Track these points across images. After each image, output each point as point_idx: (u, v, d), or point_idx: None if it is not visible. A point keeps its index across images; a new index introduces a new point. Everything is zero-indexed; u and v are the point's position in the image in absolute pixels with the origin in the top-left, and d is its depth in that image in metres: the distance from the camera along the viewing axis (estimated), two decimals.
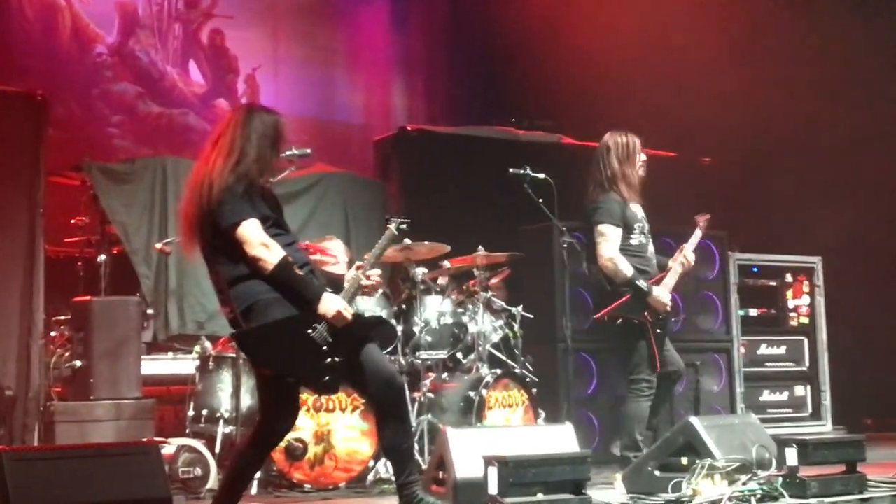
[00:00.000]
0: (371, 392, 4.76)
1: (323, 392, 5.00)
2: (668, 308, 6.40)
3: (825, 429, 9.00)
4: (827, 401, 9.19)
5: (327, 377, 4.54)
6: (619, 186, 6.45)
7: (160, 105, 10.59)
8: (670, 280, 6.48)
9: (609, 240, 6.38)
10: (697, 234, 6.68)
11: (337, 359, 4.53)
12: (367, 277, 4.78)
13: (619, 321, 6.43)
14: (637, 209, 6.51)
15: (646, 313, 6.36)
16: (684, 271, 6.57)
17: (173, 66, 10.74)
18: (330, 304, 4.53)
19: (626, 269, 6.32)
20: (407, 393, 4.97)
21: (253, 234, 4.47)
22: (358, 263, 4.84)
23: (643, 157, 6.57)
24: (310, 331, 4.50)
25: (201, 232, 4.58)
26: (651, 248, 6.56)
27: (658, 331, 6.39)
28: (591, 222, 6.49)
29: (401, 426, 4.74)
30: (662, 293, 6.36)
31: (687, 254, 6.55)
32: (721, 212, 8.22)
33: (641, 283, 6.32)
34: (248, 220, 4.48)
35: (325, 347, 4.51)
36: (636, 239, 6.46)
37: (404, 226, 5.05)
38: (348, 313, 4.56)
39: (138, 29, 10.53)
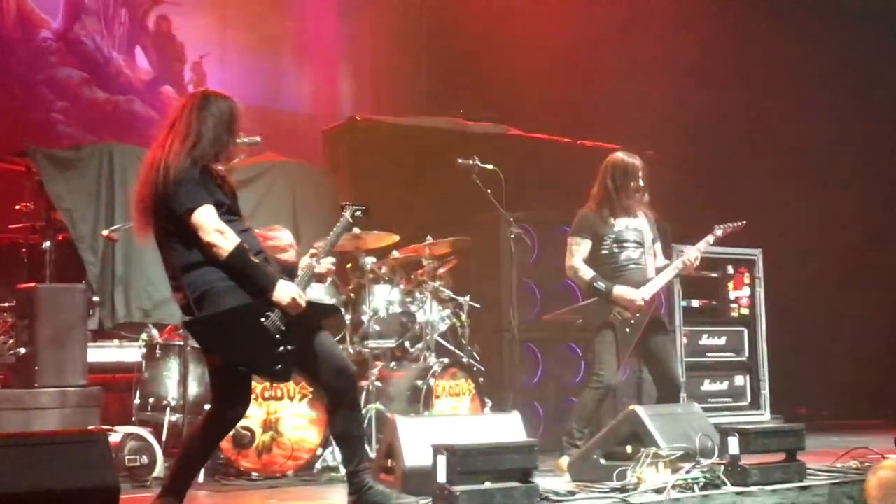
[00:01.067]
0: (323, 380, 4.77)
1: (275, 380, 5.00)
2: (638, 304, 6.47)
3: (763, 418, 9.15)
4: (766, 390, 9.35)
5: (279, 366, 4.56)
6: (602, 203, 6.67)
7: (105, 91, 10.46)
8: (660, 280, 6.62)
9: (572, 251, 6.67)
10: (709, 239, 6.79)
11: (289, 347, 4.55)
12: (320, 265, 4.80)
13: (580, 321, 6.79)
14: (620, 222, 6.65)
15: (615, 314, 6.50)
16: (683, 270, 6.67)
17: (119, 52, 10.62)
18: (284, 291, 4.54)
19: (585, 274, 6.58)
20: (358, 381, 4.98)
21: (208, 220, 4.47)
22: (312, 251, 4.84)
23: (641, 182, 6.69)
24: (263, 319, 4.51)
25: (156, 216, 4.56)
26: (628, 254, 6.63)
27: (627, 330, 6.50)
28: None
29: (351, 414, 4.78)
30: (625, 290, 6.47)
31: (690, 254, 6.65)
32: (664, 204, 8.34)
33: (600, 285, 6.50)
34: (204, 206, 4.47)
35: (277, 336, 4.53)
36: (606, 249, 6.62)
37: (359, 213, 5.07)
38: (303, 301, 4.58)
39: (84, 14, 10.39)
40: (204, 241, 4.47)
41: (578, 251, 6.64)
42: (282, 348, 4.54)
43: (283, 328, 4.54)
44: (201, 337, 4.69)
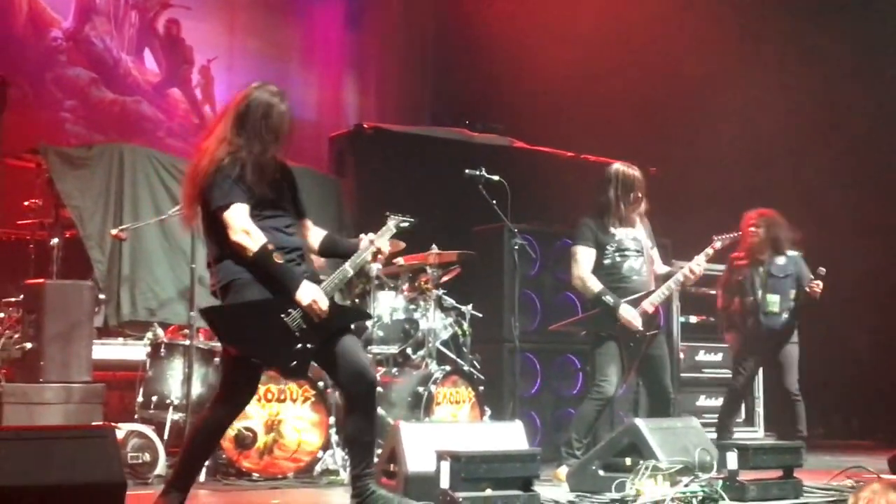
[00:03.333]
0: (341, 381, 4.83)
1: (289, 376, 4.98)
2: (637, 324, 6.55)
3: (757, 434, 9.24)
4: (760, 408, 9.44)
5: (295, 362, 4.62)
6: (603, 212, 6.76)
7: (114, 92, 10.54)
8: (661, 292, 6.68)
9: (578, 260, 6.73)
10: (708, 252, 6.83)
11: (309, 345, 4.62)
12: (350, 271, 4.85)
13: (584, 332, 6.89)
14: (620, 231, 6.73)
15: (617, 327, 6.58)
16: (685, 283, 6.76)
17: (128, 53, 10.71)
18: (306, 292, 4.60)
19: (594, 286, 6.64)
20: (376, 388, 5.00)
21: (236, 220, 4.55)
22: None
23: (641, 193, 6.80)
24: (284, 315, 4.59)
25: (200, 206, 4.70)
26: (630, 263, 6.71)
27: (631, 344, 6.59)
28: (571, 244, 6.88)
29: (365, 419, 4.82)
30: (628, 310, 6.54)
31: (692, 266, 6.69)
32: (665, 220, 8.42)
33: (608, 299, 6.57)
34: (235, 205, 4.57)
35: (297, 333, 4.60)
36: (609, 259, 6.70)
37: (406, 224, 5.14)
38: (323, 304, 4.63)
39: (94, 15, 10.47)
40: (231, 239, 4.56)
41: (584, 260, 6.72)
42: (300, 346, 4.60)
43: (304, 326, 4.61)
44: (218, 326, 4.74)
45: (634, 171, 6.82)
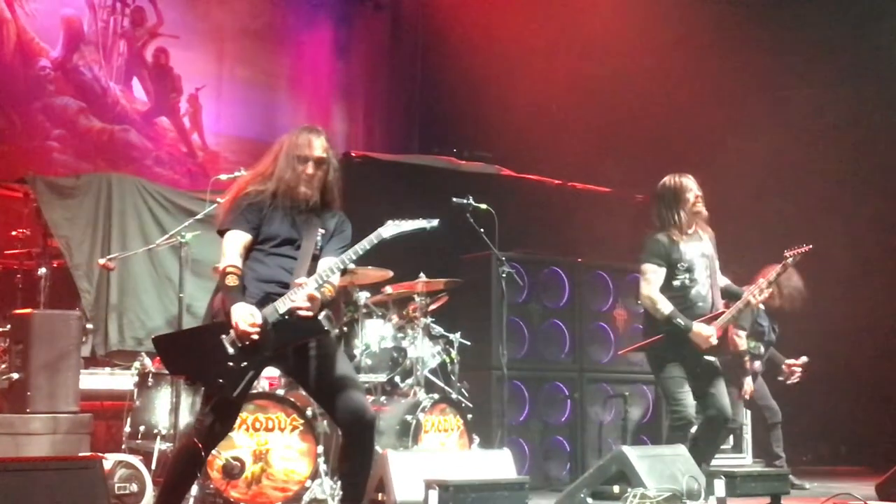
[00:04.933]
0: (340, 420, 4.86)
1: (217, 393, 4.83)
2: (713, 343, 6.27)
3: (745, 461, 9.24)
4: (748, 434, 9.45)
5: (222, 380, 4.61)
6: (668, 229, 6.47)
7: (102, 121, 10.54)
8: (730, 313, 6.38)
9: (649, 279, 6.43)
10: (779, 271, 6.46)
11: (243, 364, 4.62)
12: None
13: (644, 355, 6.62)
14: (689, 248, 6.45)
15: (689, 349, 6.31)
16: (755, 303, 6.47)
17: (116, 82, 10.72)
18: (234, 311, 4.61)
19: (665, 307, 6.32)
20: (374, 424, 4.97)
21: (224, 244, 4.79)
22: (297, 281, 4.76)
23: (696, 192, 6.52)
24: (224, 335, 4.62)
25: None
26: (698, 289, 6.42)
27: (698, 370, 6.34)
28: (639, 260, 6.57)
29: (363, 457, 4.84)
30: (704, 328, 6.26)
31: (761, 286, 6.39)
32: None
33: (679, 322, 6.26)
34: (231, 231, 4.79)
35: (231, 351, 4.61)
36: (679, 280, 6.41)
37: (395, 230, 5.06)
38: (243, 324, 4.57)
39: (83, 44, 10.49)
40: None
41: (655, 280, 6.40)
42: (231, 364, 4.61)
43: (239, 345, 4.61)
44: (159, 354, 4.90)
45: (681, 178, 6.54)
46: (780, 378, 8.43)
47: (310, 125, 5.11)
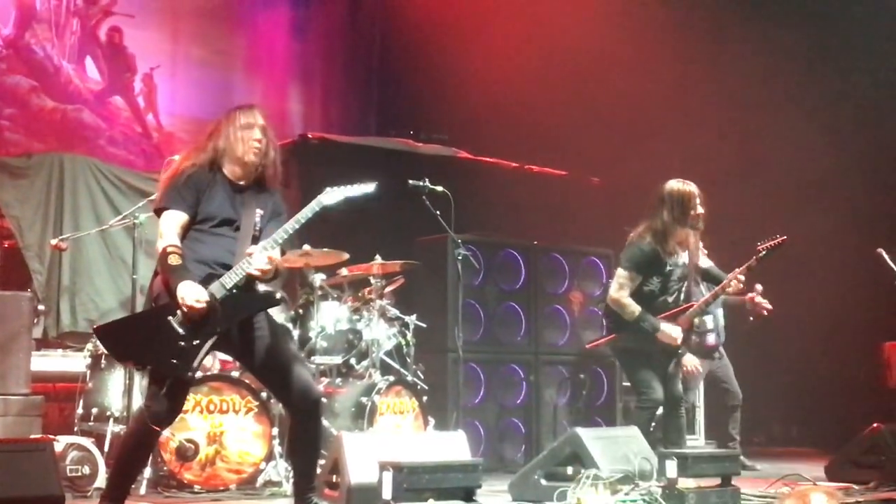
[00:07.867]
0: (286, 399, 4.88)
1: (171, 374, 4.77)
2: (678, 343, 6.50)
3: (698, 443, 9.33)
4: (700, 416, 9.53)
5: (175, 360, 4.57)
6: (657, 238, 6.47)
7: (54, 100, 10.37)
8: (695, 309, 6.55)
9: (622, 283, 6.53)
10: (752, 263, 6.51)
11: (194, 342, 4.59)
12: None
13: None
14: (671, 261, 6.51)
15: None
16: (726, 291, 6.59)
17: (69, 61, 10.57)
18: (180, 291, 4.57)
19: (634, 310, 6.46)
20: (322, 403, 5.01)
21: (161, 224, 4.76)
22: (248, 251, 4.72)
23: (700, 210, 6.52)
24: (171, 316, 4.59)
25: None
26: (666, 297, 6.55)
27: (664, 359, 6.58)
28: (618, 260, 6.71)
29: (312, 435, 4.88)
30: (671, 329, 6.47)
31: (731, 279, 6.50)
32: (609, 231, 8.50)
33: (646, 325, 6.45)
34: (168, 211, 4.75)
35: (181, 331, 4.58)
36: (650, 287, 6.52)
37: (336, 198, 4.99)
38: (197, 302, 4.55)
39: (35, 22, 10.32)
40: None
41: (627, 286, 6.51)
42: (182, 343, 4.58)
43: (188, 324, 4.58)
44: (103, 344, 4.92)
45: (689, 187, 6.50)
46: (752, 319, 8.27)
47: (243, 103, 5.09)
